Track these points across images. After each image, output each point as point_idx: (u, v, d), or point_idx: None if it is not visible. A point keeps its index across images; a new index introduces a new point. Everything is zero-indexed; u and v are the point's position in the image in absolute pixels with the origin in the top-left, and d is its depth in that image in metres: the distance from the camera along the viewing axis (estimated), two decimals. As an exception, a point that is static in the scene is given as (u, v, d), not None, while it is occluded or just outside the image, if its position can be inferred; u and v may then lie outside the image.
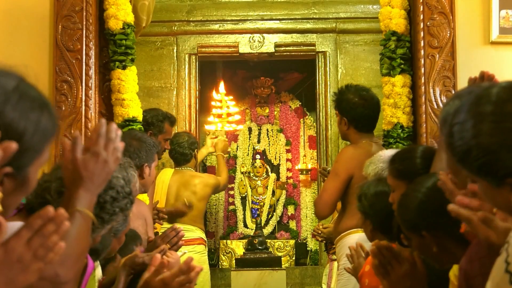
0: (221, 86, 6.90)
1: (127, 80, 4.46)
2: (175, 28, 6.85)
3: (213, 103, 6.87)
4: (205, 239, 5.35)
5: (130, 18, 4.49)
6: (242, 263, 6.70)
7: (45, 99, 1.29)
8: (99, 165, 1.65)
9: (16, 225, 1.24)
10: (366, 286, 2.62)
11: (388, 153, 3.17)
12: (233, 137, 8.07)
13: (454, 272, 1.92)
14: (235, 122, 6.87)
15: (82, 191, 1.63)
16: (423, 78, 4.37)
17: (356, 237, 3.71)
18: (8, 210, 1.27)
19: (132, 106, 4.45)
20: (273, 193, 7.83)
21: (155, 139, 4.56)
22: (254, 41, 6.95)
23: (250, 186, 7.82)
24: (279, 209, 7.87)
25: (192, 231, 5.13)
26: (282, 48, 6.98)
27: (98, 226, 1.98)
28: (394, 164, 2.65)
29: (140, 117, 4.49)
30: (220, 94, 6.80)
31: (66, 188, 1.67)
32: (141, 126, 4.46)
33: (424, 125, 4.37)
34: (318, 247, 7.31)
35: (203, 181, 5.34)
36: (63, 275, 1.56)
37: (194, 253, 5.03)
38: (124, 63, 4.47)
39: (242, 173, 7.98)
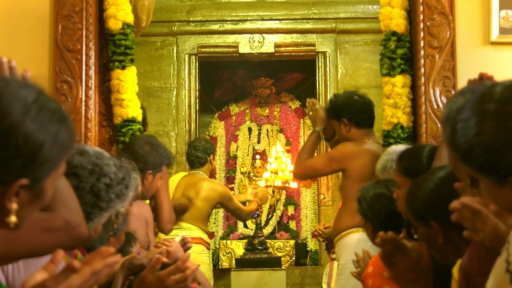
0: (278, 145, 7.27)
1: (126, 80, 4.46)
2: (175, 28, 6.85)
3: (269, 159, 7.06)
4: (207, 240, 5.33)
5: (130, 18, 4.49)
6: (242, 263, 6.69)
7: (63, 111, 1.31)
8: None
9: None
10: (369, 287, 2.63)
11: (394, 147, 3.23)
12: (233, 137, 8.07)
13: (457, 267, 1.91)
14: (291, 180, 6.84)
15: None
16: (423, 78, 4.37)
17: (356, 237, 3.71)
18: (23, 222, 1.29)
19: (131, 106, 4.45)
20: (273, 193, 7.82)
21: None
22: (254, 41, 6.95)
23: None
24: (279, 209, 7.87)
25: (191, 230, 5.13)
26: (282, 48, 6.99)
27: (96, 216, 1.99)
28: (402, 161, 2.70)
29: (139, 118, 4.49)
30: (279, 152, 7.00)
31: None
32: (140, 126, 4.46)
33: (424, 125, 4.36)
34: (318, 247, 7.31)
35: (211, 185, 5.35)
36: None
37: (191, 252, 5.02)
38: (123, 63, 4.46)
39: (242, 173, 7.98)
